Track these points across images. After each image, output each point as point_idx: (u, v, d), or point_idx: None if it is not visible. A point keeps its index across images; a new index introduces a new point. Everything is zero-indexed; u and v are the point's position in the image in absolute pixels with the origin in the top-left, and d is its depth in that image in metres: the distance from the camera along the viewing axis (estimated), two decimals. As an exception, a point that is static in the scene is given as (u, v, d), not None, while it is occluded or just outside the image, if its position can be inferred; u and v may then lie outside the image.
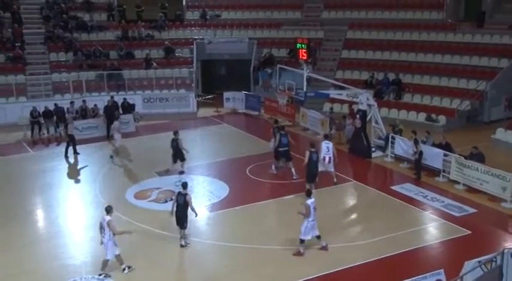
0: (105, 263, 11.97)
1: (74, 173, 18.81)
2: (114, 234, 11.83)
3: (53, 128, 23.43)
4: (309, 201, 12.46)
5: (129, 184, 17.21)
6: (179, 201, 13.10)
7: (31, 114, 23.04)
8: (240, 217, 14.96)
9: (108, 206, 12.18)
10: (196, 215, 13.24)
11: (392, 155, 19.13)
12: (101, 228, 11.95)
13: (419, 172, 17.43)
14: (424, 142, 18.03)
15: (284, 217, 14.73)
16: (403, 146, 18.62)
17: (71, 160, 20.03)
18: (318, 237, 12.72)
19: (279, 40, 30.47)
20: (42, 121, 23.30)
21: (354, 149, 20.11)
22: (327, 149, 16.87)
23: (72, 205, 16.10)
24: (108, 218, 11.91)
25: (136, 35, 30.16)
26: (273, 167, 17.99)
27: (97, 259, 12.59)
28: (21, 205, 15.66)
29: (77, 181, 18.04)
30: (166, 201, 15.82)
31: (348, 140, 21.01)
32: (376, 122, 20.25)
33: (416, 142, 17.48)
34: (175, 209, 13.14)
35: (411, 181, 17.14)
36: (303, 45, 19.78)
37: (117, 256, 12.04)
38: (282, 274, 11.93)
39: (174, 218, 13.21)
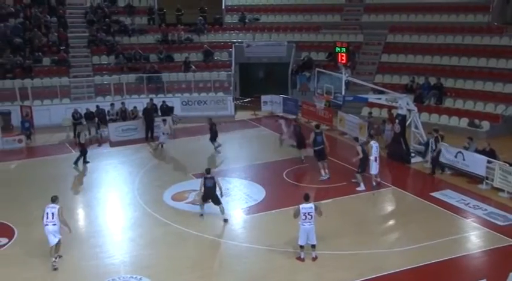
0: (54, 248, 12.34)
1: (113, 174, 19.15)
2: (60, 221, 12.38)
3: (94, 129, 23.96)
4: (301, 205, 12.26)
5: (167, 185, 17.40)
6: (208, 184, 14.42)
7: (73, 116, 23.64)
8: (276, 220, 14.89)
9: (54, 196, 12.72)
10: (222, 195, 14.62)
11: (428, 160, 18.69)
12: (49, 215, 12.29)
13: (434, 168, 17.84)
14: (466, 148, 17.64)
15: (320, 222, 14.55)
16: (443, 152, 18.18)
17: (80, 168, 19.57)
18: (313, 246, 12.42)
19: (318, 43, 30.29)
20: (84, 123, 23.85)
21: (393, 154, 19.79)
22: (376, 148, 16.91)
23: (111, 205, 16.39)
24: (57, 206, 12.45)
25: (175, 39, 30.54)
26: (322, 172, 17.72)
27: (136, 259, 12.79)
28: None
29: (117, 182, 18.35)
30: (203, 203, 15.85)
31: (386, 145, 20.68)
32: (416, 127, 19.87)
33: (436, 140, 17.67)
34: (202, 193, 14.55)
35: (452, 188, 16.72)
36: (342, 49, 19.60)
37: (58, 243, 12.40)
38: (319, 280, 11.80)
39: (205, 219, 13.29)
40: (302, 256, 12.44)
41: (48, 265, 12.43)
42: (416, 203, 15.88)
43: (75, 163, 19.65)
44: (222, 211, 14.68)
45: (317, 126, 18.45)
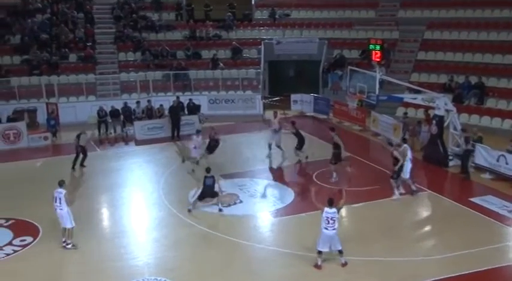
0: (64, 231, 13.31)
1: (138, 173, 19.35)
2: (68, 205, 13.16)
3: (119, 127, 24.29)
4: (325, 209, 12.11)
5: (193, 186, 17.45)
6: (207, 183, 15.24)
7: (98, 113, 24.00)
8: (305, 224, 14.79)
9: (61, 180, 13.51)
10: (222, 192, 15.39)
11: (472, 164, 18.33)
12: (57, 200, 13.20)
13: (465, 170, 17.72)
14: (510, 152, 17.23)
15: (351, 226, 14.45)
16: (484, 155, 17.81)
17: (77, 171, 19.45)
18: (340, 251, 12.26)
19: (351, 41, 30.06)
20: (109, 120, 24.20)
21: (429, 157, 19.49)
22: (411, 151, 16.79)
23: (136, 205, 16.57)
24: (64, 191, 13.21)
25: (203, 35, 30.73)
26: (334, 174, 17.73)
27: (160, 261, 12.89)
28: (87, 203, 16.28)
29: (142, 181, 18.55)
30: (229, 205, 15.94)
31: (422, 147, 20.37)
32: (455, 129, 19.51)
33: (467, 141, 17.59)
34: (199, 192, 15.30)
35: (494, 193, 16.35)
36: (376, 46, 19.43)
37: (71, 229, 13.26)
38: (349, 287, 11.70)
39: (231, 221, 13.31)
40: (319, 263, 12.24)
41: (73, 264, 12.64)
42: (454, 209, 15.58)
43: (73, 167, 19.30)
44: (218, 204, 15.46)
45: (332, 129, 18.14)
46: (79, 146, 19.46)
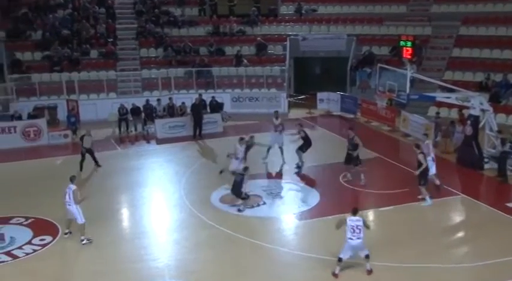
0: (69, 223, 14.01)
1: (159, 172, 19.50)
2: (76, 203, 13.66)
3: (140, 125, 24.50)
4: (349, 218, 11.95)
5: (215, 186, 17.55)
6: (236, 179, 15.62)
7: (119, 111, 24.26)
8: (330, 227, 14.67)
9: (72, 175, 14.15)
10: (244, 193, 15.54)
11: (510, 167, 18.01)
12: (66, 195, 13.73)
13: (502, 173, 17.43)
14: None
15: (379, 231, 14.31)
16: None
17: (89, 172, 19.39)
18: (367, 256, 12.09)
19: (381, 37, 29.82)
20: (130, 118, 24.43)
21: (463, 160, 19.21)
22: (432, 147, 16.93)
23: (156, 206, 16.70)
24: (73, 187, 13.73)
25: (227, 31, 30.83)
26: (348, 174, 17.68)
27: (181, 263, 12.97)
28: (107, 203, 16.47)
29: (163, 181, 18.68)
30: (252, 206, 15.95)
31: (456, 148, 20.10)
32: (491, 130, 19.18)
33: (504, 142, 17.46)
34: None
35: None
36: (407, 43, 19.30)
37: (82, 225, 13.75)
38: (377, 294, 11.60)
39: (254, 223, 13.32)
40: (337, 271, 12.07)
41: (92, 264, 12.81)
42: (489, 214, 15.33)
43: (80, 169, 19.06)
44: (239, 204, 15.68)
45: (351, 128, 18.03)
46: (83, 148, 19.38)
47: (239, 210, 15.50)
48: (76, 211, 13.77)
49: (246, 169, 15.95)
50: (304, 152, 18.79)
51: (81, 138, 19.72)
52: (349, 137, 17.64)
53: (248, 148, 18.13)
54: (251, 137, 18.61)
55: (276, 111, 20.78)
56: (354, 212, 12.06)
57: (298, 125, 19.67)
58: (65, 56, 28.25)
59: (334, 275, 12.08)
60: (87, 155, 19.57)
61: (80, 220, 13.79)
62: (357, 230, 11.86)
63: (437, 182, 16.78)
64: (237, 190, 15.69)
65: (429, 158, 16.40)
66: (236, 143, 17.75)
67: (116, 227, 15.08)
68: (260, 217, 15.28)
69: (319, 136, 23.51)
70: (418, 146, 16.20)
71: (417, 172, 15.75)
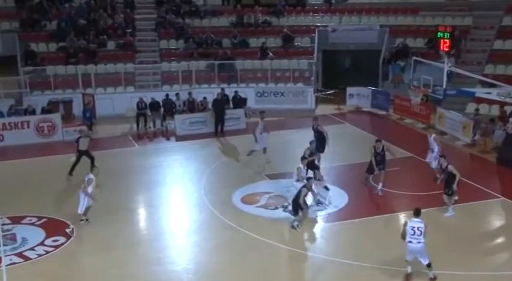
0: (77, 215, 14.86)
1: (178, 171, 19.61)
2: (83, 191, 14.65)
3: (159, 121, 24.65)
4: (412, 219, 11.94)
5: (237, 186, 17.58)
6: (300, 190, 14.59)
7: (137, 105, 24.39)
8: (359, 230, 14.66)
9: (93, 166, 15.83)
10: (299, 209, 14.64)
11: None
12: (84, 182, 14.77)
13: None
14: None
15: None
16: None
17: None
18: (428, 265, 11.98)
19: (416, 28, 29.51)
20: (149, 114, 24.58)
21: (505, 159, 18.95)
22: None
23: (175, 206, 16.80)
24: (89, 176, 14.89)
25: (252, 21, 30.80)
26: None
27: (201, 267, 13.03)
28: (124, 203, 16.62)
29: (182, 180, 18.78)
30: (276, 208, 15.93)
31: (495, 147, 19.81)
32: (534, 128, 18.87)
33: None
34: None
35: None
36: (445, 34, 19.15)
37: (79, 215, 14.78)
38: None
39: (278, 226, 13.29)
40: (409, 271, 12.10)
41: (107, 267, 12.97)
42: (531, 219, 15.09)
43: (70, 173, 18.73)
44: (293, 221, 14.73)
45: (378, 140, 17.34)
46: (78, 151, 18.73)
47: (293, 227, 14.59)
48: (81, 199, 14.72)
49: (310, 179, 15.41)
50: (322, 152, 18.29)
51: (77, 140, 18.92)
52: (377, 151, 16.81)
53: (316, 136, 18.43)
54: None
55: (262, 112, 20.41)
56: (416, 213, 12.05)
57: (314, 119, 19.28)
58: (80, 47, 28.53)
59: (407, 276, 12.08)
60: (83, 157, 18.86)
61: (80, 209, 14.69)
62: (418, 232, 11.81)
63: (438, 175, 16.73)
64: (296, 203, 14.59)
65: (434, 154, 17.09)
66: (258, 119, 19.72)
67: (133, 228, 15.21)
68: (284, 218, 15.24)
69: (349, 134, 23.41)
70: (443, 157, 15.96)
71: (439, 181, 15.61)
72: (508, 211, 15.88)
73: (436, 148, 17.52)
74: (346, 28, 29.84)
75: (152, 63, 28.64)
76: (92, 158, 18.56)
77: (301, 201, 14.48)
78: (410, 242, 11.86)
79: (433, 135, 18.25)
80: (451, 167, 15.37)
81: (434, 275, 12.04)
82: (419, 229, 11.82)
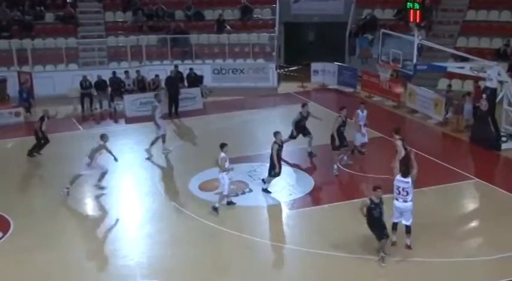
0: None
1: (129, 156, 19.40)
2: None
3: (106, 102, 24.33)
4: (397, 178, 12.72)
5: (194, 172, 17.52)
6: (374, 211, 12.50)
7: (81, 84, 24.06)
8: (328, 217, 14.83)
9: (103, 134, 16.58)
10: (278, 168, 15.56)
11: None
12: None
13: None
14: None
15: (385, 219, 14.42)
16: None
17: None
18: (407, 228, 12.90)
19: (384, -2, 29.81)
20: (95, 93, 24.22)
21: (478, 138, 19.36)
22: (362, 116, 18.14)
23: (126, 195, 16.66)
24: (99, 143, 16.10)
25: (207, -9, 30.57)
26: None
27: (154, 261, 12.98)
28: (70, 195, 16.37)
29: (133, 166, 18.59)
30: (237, 194, 15.96)
31: (467, 125, 20.28)
32: (510, 104, 19.32)
33: None
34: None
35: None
36: (415, 5, 19.20)
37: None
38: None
39: (239, 214, 13.33)
40: (394, 239, 12.85)
41: (51, 264, 12.79)
42: (508, 201, 15.48)
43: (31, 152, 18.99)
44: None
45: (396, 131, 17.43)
46: (41, 131, 18.87)
47: (382, 262, 12.58)
48: (84, 164, 15.98)
49: (277, 133, 15.93)
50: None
51: (42, 118, 19.10)
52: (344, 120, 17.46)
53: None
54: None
55: (157, 94, 20.46)
56: (404, 174, 12.72)
57: (305, 105, 18.97)
58: (14, 19, 27.85)
59: (393, 243, 12.85)
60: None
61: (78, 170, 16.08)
62: (403, 193, 12.61)
63: (346, 158, 17.66)
64: (378, 226, 12.55)
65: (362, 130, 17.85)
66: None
67: (78, 221, 15.04)
68: (245, 206, 15.30)
69: (314, 113, 23.52)
70: (397, 131, 15.90)
71: (392, 164, 14.45)
72: (482, 193, 16.26)
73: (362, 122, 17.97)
74: (310, -2, 29.92)
75: (97, 37, 28.22)
76: (46, 142, 19.05)
77: (274, 157, 15.37)
78: (396, 200, 12.67)
79: (358, 110, 18.27)
80: (399, 143, 15.43)
81: (410, 244, 12.75)
82: (405, 189, 12.54)
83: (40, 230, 14.19)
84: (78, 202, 16.03)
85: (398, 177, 12.66)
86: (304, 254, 13.03)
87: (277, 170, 15.69)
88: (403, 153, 14.94)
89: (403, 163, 13.98)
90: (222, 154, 14.75)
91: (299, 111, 18.44)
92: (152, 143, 19.16)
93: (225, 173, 14.72)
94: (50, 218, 14.80)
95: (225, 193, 14.91)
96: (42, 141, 19.15)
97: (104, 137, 16.36)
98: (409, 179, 12.60)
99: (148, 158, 18.79)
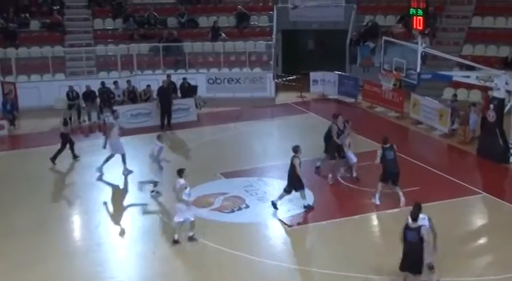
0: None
1: (119, 171, 19.34)
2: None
3: (95, 113, 24.31)
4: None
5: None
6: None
7: (67, 95, 24.06)
8: (328, 234, 14.82)
9: (159, 134, 17.08)
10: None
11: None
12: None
13: None
14: None
15: (385, 238, 14.41)
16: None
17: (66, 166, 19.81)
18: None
19: (386, 4, 30.00)
20: (83, 105, 24.22)
21: (485, 151, 19.39)
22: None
23: (116, 212, 16.60)
24: (160, 145, 16.48)
25: (201, -3, 30.70)
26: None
27: (144, 280, 12.90)
28: (54, 210, 16.34)
29: (123, 182, 18.56)
30: (233, 211, 15.93)
31: (473, 137, 20.31)
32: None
33: None
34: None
35: None
36: (418, 11, 19.30)
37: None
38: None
39: (235, 231, 13.39)
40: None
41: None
42: (516, 217, 15.50)
43: (54, 158, 19.50)
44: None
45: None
46: (65, 134, 19.69)
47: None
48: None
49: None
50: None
51: (65, 122, 20.10)
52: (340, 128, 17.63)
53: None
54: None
55: (115, 111, 20.08)
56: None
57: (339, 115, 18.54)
58: (-2, 27, 27.89)
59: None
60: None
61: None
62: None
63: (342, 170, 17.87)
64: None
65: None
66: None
67: (65, 239, 14.93)
68: (242, 223, 15.27)
69: (313, 125, 23.53)
70: (386, 141, 16.12)
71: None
72: (491, 208, 16.27)
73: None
74: (309, 5, 30.07)
75: (85, 46, 28.24)
76: (71, 145, 19.85)
77: (298, 172, 15.32)
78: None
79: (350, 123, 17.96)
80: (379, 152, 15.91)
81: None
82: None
83: (20, 251, 14.07)
84: (63, 220, 15.96)
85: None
86: (303, 273, 13.02)
87: (297, 185, 15.60)
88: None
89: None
90: (181, 181, 14.01)
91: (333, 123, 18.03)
92: (104, 162, 18.88)
93: (182, 204, 13.97)
94: (35, 237, 14.71)
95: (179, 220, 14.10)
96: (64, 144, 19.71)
97: (160, 137, 17.08)
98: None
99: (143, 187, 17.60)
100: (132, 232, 15.33)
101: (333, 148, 17.51)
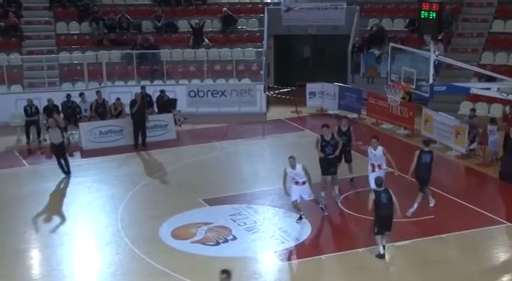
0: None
1: (86, 198, 19.38)
2: None
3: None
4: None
5: (165, 216, 17.52)
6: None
7: (25, 110, 24.01)
8: (327, 270, 14.86)
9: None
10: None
11: None
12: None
13: None
14: None
15: (394, 274, 14.47)
16: None
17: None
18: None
19: (394, 6, 30.28)
20: (44, 121, 24.20)
21: (508, 174, 19.53)
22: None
23: (82, 245, 16.57)
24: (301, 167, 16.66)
25: (181, -2, 30.92)
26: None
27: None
28: (9, 242, 16.29)
29: (91, 210, 18.56)
30: (218, 243, 15.97)
31: (494, 158, 20.44)
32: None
33: None
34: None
35: None
36: (430, 14, 19.51)
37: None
38: None
39: (220, 266, 13.30)
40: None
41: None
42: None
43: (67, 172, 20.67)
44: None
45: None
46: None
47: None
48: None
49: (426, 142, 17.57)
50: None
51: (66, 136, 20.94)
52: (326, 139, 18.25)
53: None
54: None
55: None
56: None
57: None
58: None
59: None
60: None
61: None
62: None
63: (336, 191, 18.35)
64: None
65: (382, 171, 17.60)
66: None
67: (23, 277, 14.90)
68: (229, 257, 15.28)
69: (310, 144, 23.60)
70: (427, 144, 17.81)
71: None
72: (517, 240, 16.41)
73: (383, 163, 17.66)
74: (304, 6, 30.31)
75: (46, 53, 28.36)
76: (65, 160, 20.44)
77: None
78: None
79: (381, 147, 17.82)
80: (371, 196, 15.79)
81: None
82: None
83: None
84: (20, 255, 15.90)
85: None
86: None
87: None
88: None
89: None
90: None
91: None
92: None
93: None
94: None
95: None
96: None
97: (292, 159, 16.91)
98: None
99: None
100: (103, 268, 15.28)
101: (323, 163, 17.87)
